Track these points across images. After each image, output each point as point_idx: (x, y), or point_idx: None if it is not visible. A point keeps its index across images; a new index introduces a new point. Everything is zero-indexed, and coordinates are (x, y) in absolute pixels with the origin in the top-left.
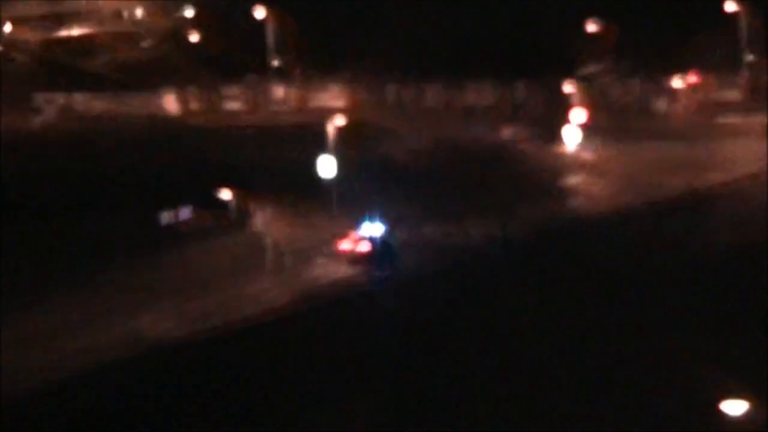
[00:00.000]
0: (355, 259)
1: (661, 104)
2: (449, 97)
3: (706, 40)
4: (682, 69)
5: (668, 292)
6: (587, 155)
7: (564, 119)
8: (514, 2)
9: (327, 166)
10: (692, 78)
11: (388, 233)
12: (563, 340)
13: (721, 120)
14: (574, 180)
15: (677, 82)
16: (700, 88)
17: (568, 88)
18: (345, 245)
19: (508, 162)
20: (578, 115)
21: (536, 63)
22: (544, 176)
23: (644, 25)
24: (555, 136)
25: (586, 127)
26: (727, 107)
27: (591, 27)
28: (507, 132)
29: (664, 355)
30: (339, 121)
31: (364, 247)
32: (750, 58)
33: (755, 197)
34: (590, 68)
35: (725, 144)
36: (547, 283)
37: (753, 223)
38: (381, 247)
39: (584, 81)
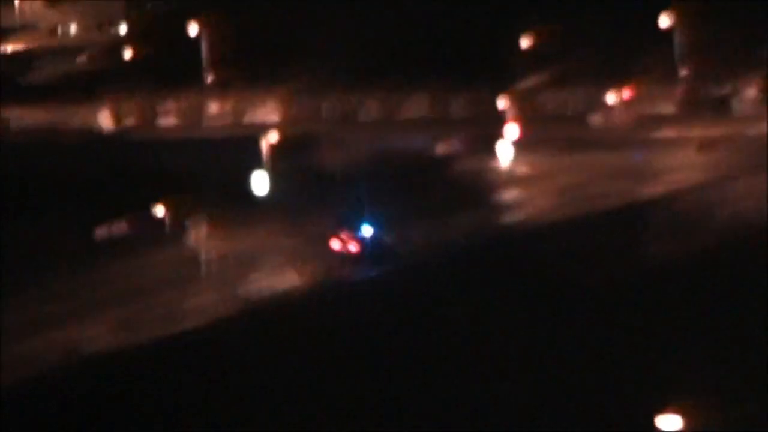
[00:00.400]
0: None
1: (597, 117)
2: (387, 111)
3: (641, 54)
4: (617, 82)
5: (614, 301)
6: (524, 168)
7: (501, 132)
8: (452, 16)
9: (262, 180)
10: (627, 91)
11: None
12: (503, 348)
13: (656, 133)
14: (512, 192)
15: (612, 96)
16: (635, 101)
17: (505, 100)
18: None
19: (446, 174)
20: (515, 128)
21: (473, 76)
22: (483, 188)
23: (580, 39)
24: (492, 149)
25: (522, 140)
26: (662, 120)
27: (528, 40)
28: (444, 145)
29: (604, 367)
30: (274, 135)
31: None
32: (685, 71)
33: (696, 208)
34: (527, 81)
35: (661, 156)
36: (491, 292)
37: (696, 233)
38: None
39: (520, 94)
